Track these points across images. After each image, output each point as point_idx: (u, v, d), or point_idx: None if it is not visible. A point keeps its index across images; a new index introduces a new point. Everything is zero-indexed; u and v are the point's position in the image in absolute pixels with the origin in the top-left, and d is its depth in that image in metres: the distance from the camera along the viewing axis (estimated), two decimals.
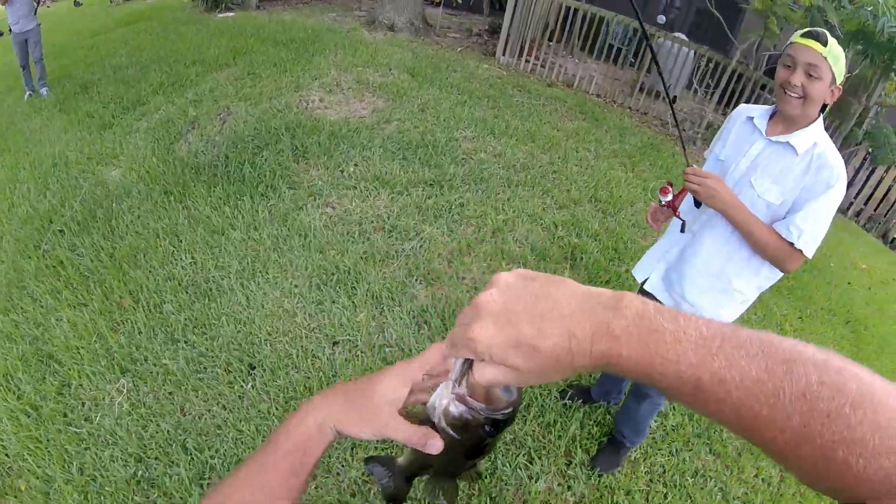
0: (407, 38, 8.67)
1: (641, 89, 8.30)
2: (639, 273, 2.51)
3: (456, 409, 0.61)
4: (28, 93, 8.21)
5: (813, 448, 0.43)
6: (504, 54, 8.60)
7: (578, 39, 9.07)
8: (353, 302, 3.45)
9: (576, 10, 8.55)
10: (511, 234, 4.10)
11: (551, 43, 9.20)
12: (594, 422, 2.97)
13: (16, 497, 2.83)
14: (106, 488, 2.70)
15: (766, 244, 1.93)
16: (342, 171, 4.52)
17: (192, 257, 3.84)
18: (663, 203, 2.25)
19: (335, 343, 3.28)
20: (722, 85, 7.92)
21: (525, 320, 0.54)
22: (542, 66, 8.47)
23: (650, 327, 0.50)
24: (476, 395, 0.60)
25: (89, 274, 3.95)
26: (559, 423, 2.89)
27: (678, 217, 2.27)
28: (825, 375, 0.43)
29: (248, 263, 3.71)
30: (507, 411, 0.61)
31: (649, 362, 0.49)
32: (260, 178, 4.48)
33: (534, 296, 0.56)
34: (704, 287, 2.20)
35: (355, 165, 4.59)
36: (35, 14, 7.85)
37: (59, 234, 4.45)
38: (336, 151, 4.76)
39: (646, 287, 2.40)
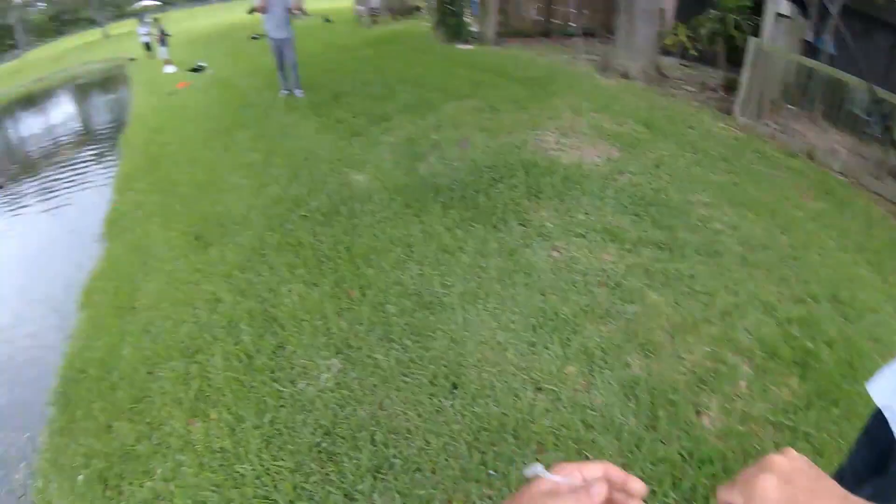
0: (641, 87, 8.51)
1: (892, 173, 7.30)
2: (878, 394, 2.17)
3: None
4: (283, 92, 9.34)
5: None
6: (741, 114, 7.98)
7: (819, 105, 8.23)
8: (564, 353, 3.42)
9: (814, 72, 7.73)
10: (741, 321, 3.81)
11: (791, 106, 8.46)
12: None
13: (204, 422, 3.19)
14: (288, 445, 2.94)
15: None
16: (572, 217, 4.53)
17: (421, 269, 4.07)
18: None
19: (539, 389, 3.26)
20: None
21: (806, 488, 0.56)
22: (782, 132, 7.78)
23: None
24: None
25: (325, 260, 4.35)
26: None
27: None
28: None
29: (471, 288, 3.85)
30: None
31: None
32: (493, 209, 4.65)
33: (814, 477, 0.58)
34: None
35: (586, 213, 4.58)
36: (289, 24, 8.83)
37: (303, 218, 4.97)
38: (568, 195, 4.79)
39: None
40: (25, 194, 11.13)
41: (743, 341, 3.65)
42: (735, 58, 8.44)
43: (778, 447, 3.14)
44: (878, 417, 2.15)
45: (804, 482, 0.57)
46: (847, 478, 2.53)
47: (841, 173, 7.51)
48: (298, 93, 9.14)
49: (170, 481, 2.98)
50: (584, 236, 4.27)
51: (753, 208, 5.22)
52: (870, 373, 2.44)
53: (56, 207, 9.64)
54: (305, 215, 5.02)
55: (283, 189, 5.62)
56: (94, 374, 3.98)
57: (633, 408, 3.16)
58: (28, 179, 12.37)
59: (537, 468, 0.57)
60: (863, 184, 7.35)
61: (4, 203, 10.96)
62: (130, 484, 3.12)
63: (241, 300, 4.12)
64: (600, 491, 0.56)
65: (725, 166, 6.00)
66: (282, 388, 3.33)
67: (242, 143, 7.51)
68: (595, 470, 0.59)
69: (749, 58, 7.56)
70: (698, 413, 3.22)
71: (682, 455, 2.98)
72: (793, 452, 0.60)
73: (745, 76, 7.71)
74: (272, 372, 3.46)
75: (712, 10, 8.80)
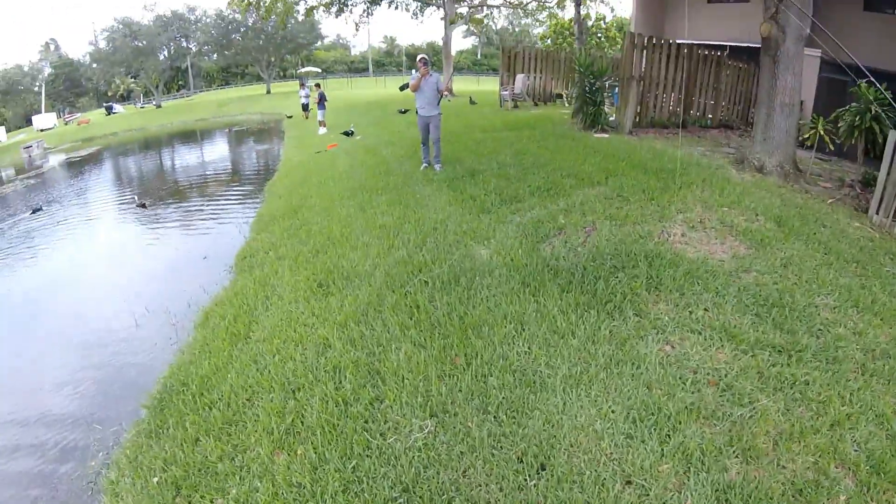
0: (775, 182, 8.20)
1: None
2: None
3: None
4: (424, 164, 10.05)
5: None
6: (878, 213, 7.31)
7: None
8: (662, 449, 3.36)
9: None
10: (851, 432, 3.53)
11: None
12: None
13: (289, 454, 3.44)
14: (365, 493, 3.12)
15: None
16: (690, 313, 4.47)
17: (529, 347, 4.20)
18: None
19: (629, 482, 3.22)
20: None
21: None
22: None
23: None
24: None
25: (437, 325, 4.59)
26: None
27: None
28: None
29: (576, 373, 3.91)
30: None
31: None
32: (610, 297, 4.71)
33: None
34: None
35: (705, 310, 4.50)
36: (438, 104, 9.54)
37: (423, 283, 5.27)
38: (689, 290, 4.74)
39: None
40: (169, 217, 12.57)
41: (849, 454, 3.39)
42: (875, 152, 7.97)
43: None
44: None
45: None
46: None
47: None
48: (438, 167, 9.74)
49: (239, 503, 3.22)
50: (699, 332, 4.20)
51: (881, 314, 4.84)
52: None
53: (194, 234, 10.87)
54: (426, 281, 5.32)
55: (408, 253, 6.00)
56: (195, 390, 4.42)
57: None
58: (174, 203, 13.96)
59: None
60: None
61: (148, 220, 12.43)
62: (202, 497, 3.43)
63: (349, 349, 4.44)
64: None
65: (856, 268, 5.62)
66: (371, 439, 3.54)
67: (378, 206, 8.10)
68: None
69: (889, 152, 7.03)
70: None
71: None
72: None
73: (883, 172, 7.16)
74: (365, 422, 3.70)
75: (853, 104, 8.40)
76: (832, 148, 9.16)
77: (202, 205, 13.61)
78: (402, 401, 3.82)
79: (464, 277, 5.31)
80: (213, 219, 11.88)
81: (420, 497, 3.13)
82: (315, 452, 3.48)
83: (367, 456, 3.41)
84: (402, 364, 4.17)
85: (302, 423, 3.77)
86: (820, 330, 4.46)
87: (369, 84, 58.34)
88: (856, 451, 3.48)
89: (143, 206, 13.51)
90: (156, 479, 3.62)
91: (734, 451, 3.31)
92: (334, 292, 5.51)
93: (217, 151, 25.50)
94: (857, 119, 8.21)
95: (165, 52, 59.71)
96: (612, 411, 3.62)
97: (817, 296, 4.90)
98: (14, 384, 5.82)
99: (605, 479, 3.24)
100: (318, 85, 24.91)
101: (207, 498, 3.41)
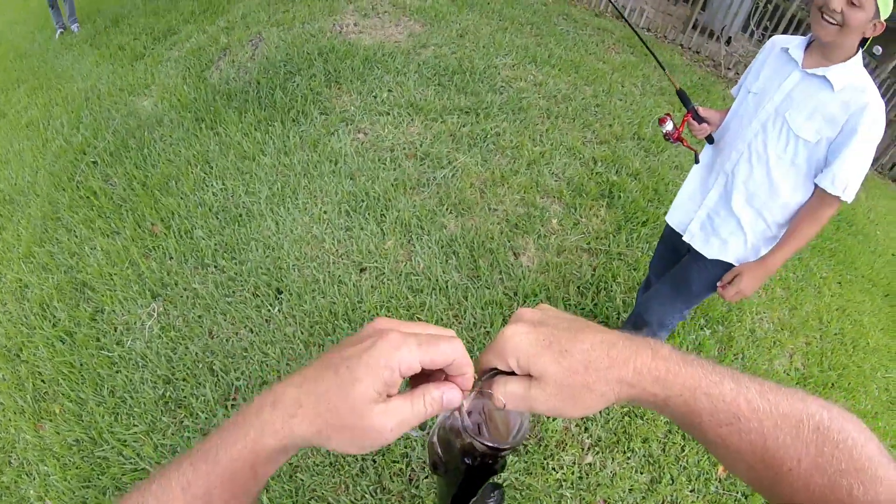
0: None
1: (695, 27, 7.81)
2: (671, 218, 2.41)
3: (458, 421, 0.54)
4: (59, 30, 8.10)
5: (823, 478, 0.47)
6: None
7: None
8: (381, 229, 3.38)
9: None
10: (547, 166, 3.92)
11: None
12: None
13: (51, 420, 2.90)
14: (135, 409, 2.76)
15: (808, 234, 1.93)
16: (375, 97, 4.36)
17: (223, 183, 3.79)
18: (665, 134, 2.15)
19: (362, 270, 3.23)
20: (780, 29, 7.43)
21: (562, 326, 0.53)
22: None
23: (686, 358, 0.51)
24: (491, 419, 0.56)
25: (122, 202, 3.95)
26: None
27: (688, 146, 2.21)
28: (831, 413, 0.48)
29: (278, 189, 3.65)
30: (510, 443, 0.54)
31: (695, 384, 0.49)
32: (291, 103, 4.35)
33: (569, 318, 0.56)
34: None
35: (389, 91, 4.42)
36: None
37: (92, 165, 4.44)
38: (370, 77, 4.59)
39: (685, 238, 2.29)
40: None
41: (551, 184, 3.78)
42: None
43: (595, 270, 3.35)
44: (669, 227, 2.39)
45: (560, 322, 0.54)
46: (651, 279, 2.76)
47: (647, 29, 7.90)
48: (75, 28, 7.98)
49: (44, 499, 2.69)
50: (388, 114, 4.13)
51: (558, 65, 5.32)
52: (673, 194, 2.64)
53: None
54: (94, 161, 4.46)
55: (65, 140, 4.95)
56: None
57: (455, 263, 3.20)
58: None
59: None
60: (667, 37, 7.78)
61: None
62: None
63: (46, 276, 3.64)
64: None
65: (531, 30, 6.02)
66: (110, 354, 3.05)
67: (19, 103, 6.49)
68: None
69: None
70: (516, 255, 3.33)
71: (507, 295, 3.10)
72: (545, 305, 0.58)
73: None
74: (97, 340, 3.15)
75: None
76: None
77: None
78: (120, 298, 3.31)
79: (132, 139, 4.52)
80: None
81: (184, 379, 2.85)
82: (71, 401, 2.89)
83: (117, 372, 2.94)
84: (103, 262, 3.51)
85: (43, 381, 3.07)
86: (502, 87, 4.72)
87: None
88: (556, 181, 3.86)
89: None
90: None
91: (447, 209, 3.43)
92: (5, 225, 4.41)
93: None
94: None
95: None
96: (325, 212, 3.49)
97: (496, 57, 5.13)
98: None
99: (340, 276, 3.20)
100: None
101: None
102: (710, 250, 2.20)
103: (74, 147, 4.77)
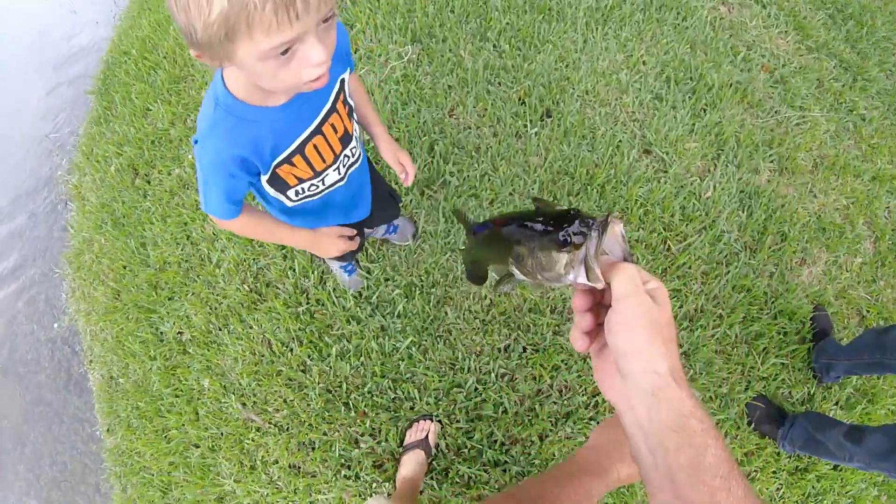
0: None
1: None
2: None
3: None
4: None
5: None
6: None
7: None
8: (693, 124, 2.64)
9: None
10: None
11: None
12: None
13: None
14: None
15: None
16: None
17: None
18: None
19: (647, 151, 2.55)
20: None
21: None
22: None
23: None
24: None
25: None
26: None
27: None
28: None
29: (605, 6, 2.91)
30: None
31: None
32: None
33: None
34: None
35: None
36: None
37: None
38: None
39: None
40: None
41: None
42: None
43: None
44: None
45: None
46: None
47: None
48: None
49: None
50: (764, 6, 3.16)
51: None
52: None
53: None
54: None
55: None
56: (136, 55, 3.30)
57: (742, 220, 2.44)
58: None
59: None
60: None
61: None
62: (160, 172, 2.78)
63: None
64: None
65: None
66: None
67: None
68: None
69: None
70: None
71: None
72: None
73: None
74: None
75: None
76: None
77: None
78: (377, 23, 2.79)
79: None
80: None
81: (397, 140, 2.41)
82: None
83: None
84: None
85: None
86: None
87: None
88: None
89: None
90: (112, 168, 2.91)
91: (770, 156, 2.62)
92: None
93: None
94: None
95: None
96: (643, 62, 2.75)
97: None
98: None
99: (620, 140, 2.52)
100: None
101: (165, 171, 2.76)
102: None
103: None
